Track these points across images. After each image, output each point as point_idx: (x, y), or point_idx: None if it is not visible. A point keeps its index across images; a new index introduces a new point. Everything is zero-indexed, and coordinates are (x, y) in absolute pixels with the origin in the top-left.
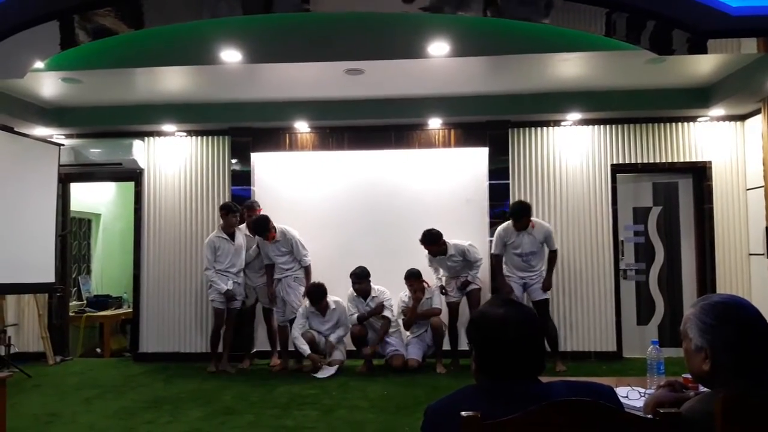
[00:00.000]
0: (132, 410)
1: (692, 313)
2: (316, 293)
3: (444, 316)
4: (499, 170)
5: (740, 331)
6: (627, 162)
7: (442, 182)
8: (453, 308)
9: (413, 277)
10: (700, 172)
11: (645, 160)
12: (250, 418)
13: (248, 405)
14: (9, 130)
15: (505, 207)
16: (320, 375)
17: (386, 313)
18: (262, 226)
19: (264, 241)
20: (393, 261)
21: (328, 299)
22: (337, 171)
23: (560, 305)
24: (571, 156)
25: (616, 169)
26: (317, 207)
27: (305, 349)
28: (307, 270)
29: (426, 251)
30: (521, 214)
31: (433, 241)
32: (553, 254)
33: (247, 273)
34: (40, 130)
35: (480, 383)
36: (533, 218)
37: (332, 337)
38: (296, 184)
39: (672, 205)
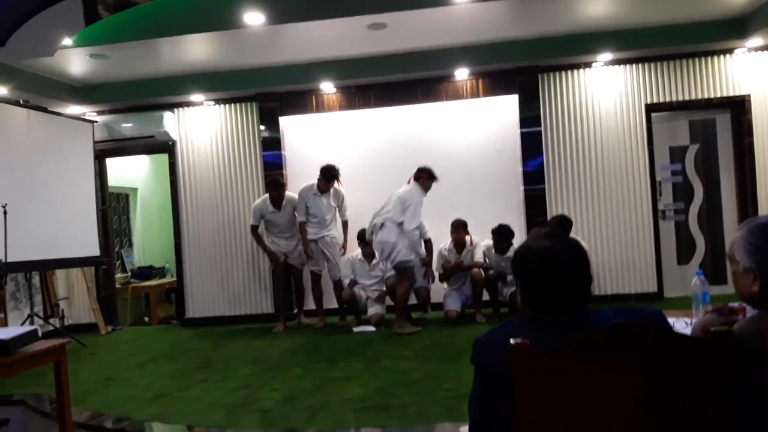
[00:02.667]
0: (185, 371)
1: (739, 235)
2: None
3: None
4: (530, 118)
5: None
6: (662, 101)
7: (472, 134)
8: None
9: (460, 227)
10: (738, 106)
11: (680, 98)
12: (298, 372)
13: (296, 360)
14: (43, 109)
15: (540, 158)
16: (359, 329)
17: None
18: (335, 169)
19: (319, 196)
20: (425, 217)
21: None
22: (365, 129)
23: (598, 248)
24: (604, 98)
25: (651, 108)
26: (347, 167)
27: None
28: (346, 225)
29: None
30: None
31: (505, 235)
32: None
33: (275, 240)
34: (73, 109)
35: (527, 315)
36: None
37: (374, 293)
38: (325, 146)
39: (710, 142)
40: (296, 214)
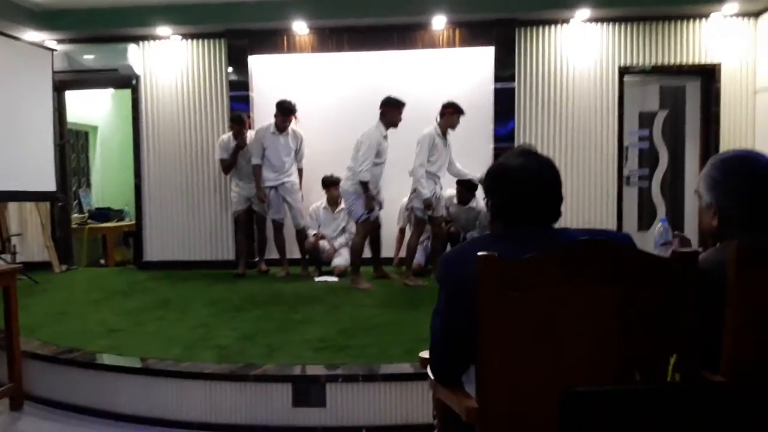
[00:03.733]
0: (141, 309)
1: (704, 170)
2: (329, 181)
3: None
4: (505, 74)
5: (746, 184)
6: (635, 64)
7: (445, 86)
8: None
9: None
10: (708, 75)
11: (653, 62)
12: (258, 314)
13: (256, 303)
14: None
15: (511, 123)
16: (321, 279)
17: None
18: (291, 103)
19: (277, 135)
20: (391, 168)
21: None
22: (336, 74)
23: (564, 210)
24: (579, 57)
25: (624, 71)
26: (315, 112)
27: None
28: (301, 173)
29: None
30: None
31: (469, 186)
32: None
33: (240, 184)
34: (32, 35)
35: (496, 232)
36: None
37: (337, 243)
38: (295, 89)
39: (678, 110)
40: (252, 157)
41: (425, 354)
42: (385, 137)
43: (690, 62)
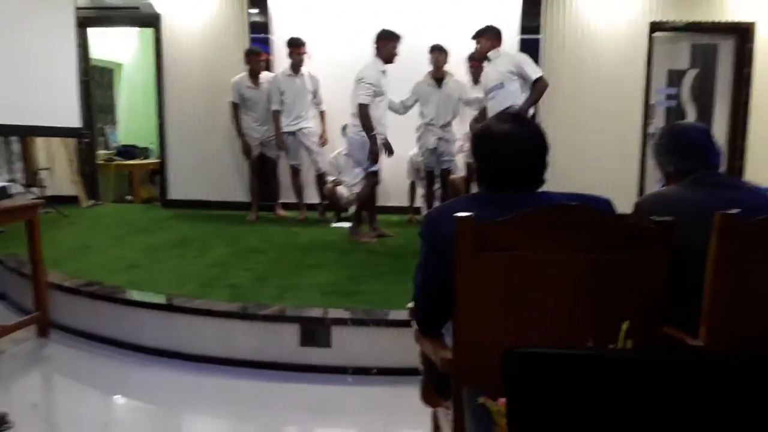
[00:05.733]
0: (160, 246)
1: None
2: None
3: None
4: (531, 25)
5: (673, 143)
6: (667, 19)
7: (470, 35)
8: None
9: (437, 50)
10: (743, 34)
11: (686, 19)
12: (273, 256)
13: (272, 245)
14: None
15: None
16: (338, 225)
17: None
18: (297, 38)
19: (293, 77)
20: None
21: None
22: (358, 18)
23: (584, 166)
24: (609, 11)
25: (655, 27)
26: (336, 56)
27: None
28: (323, 115)
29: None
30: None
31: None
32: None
33: (250, 123)
34: None
35: (478, 193)
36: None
37: (356, 189)
38: (315, 32)
39: (709, 69)
40: (270, 103)
41: (412, 305)
42: (384, 72)
43: (725, 20)
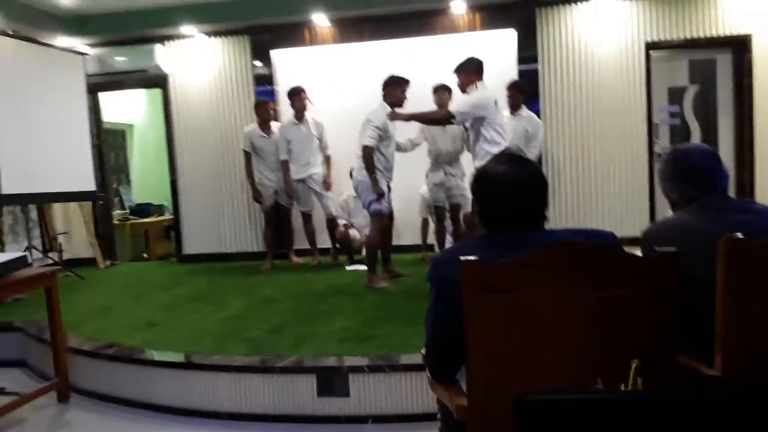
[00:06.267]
0: (178, 303)
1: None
2: None
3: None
4: (527, 55)
5: (676, 169)
6: (662, 39)
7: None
8: None
9: (440, 89)
10: (740, 46)
11: (681, 36)
12: (288, 305)
13: (287, 294)
14: (33, 41)
15: (537, 105)
16: (352, 267)
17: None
18: (296, 86)
19: (298, 125)
20: (407, 156)
21: None
22: (358, 64)
23: (592, 190)
24: (603, 35)
25: (651, 46)
26: (339, 103)
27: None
28: (329, 160)
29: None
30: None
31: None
32: None
33: (264, 172)
34: (63, 40)
35: (483, 235)
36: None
37: (367, 231)
38: (318, 81)
39: (709, 84)
40: (279, 153)
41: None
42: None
43: (720, 34)
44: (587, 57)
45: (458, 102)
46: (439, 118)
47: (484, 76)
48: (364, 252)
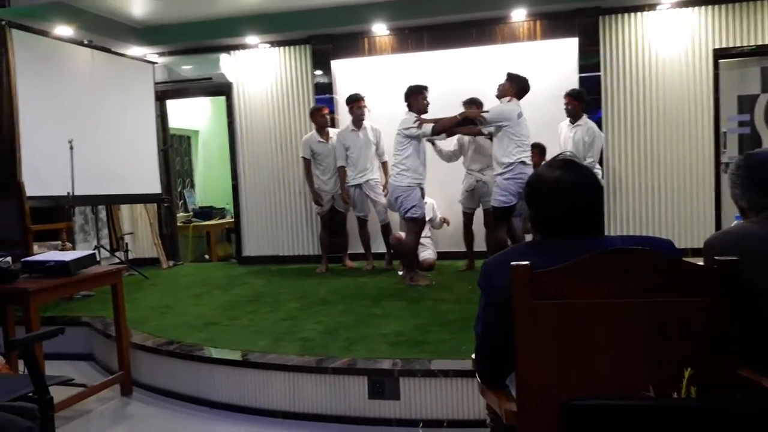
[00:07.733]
0: (236, 303)
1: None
2: None
3: None
4: (589, 63)
5: (748, 175)
6: (731, 45)
7: (529, 80)
8: None
9: (470, 103)
10: None
11: (752, 42)
12: (342, 307)
13: (341, 297)
14: (106, 50)
15: (598, 113)
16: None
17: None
18: (355, 94)
19: (356, 132)
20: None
21: None
22: (417, 74)
23: (656, 200)
24: (668, 43)
25: (719, 54)
26: (397, 112)
27: None
28: (386, 165)
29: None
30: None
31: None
32: None
33: (321, 177)
34: (134, 50)
35: (536, 240)
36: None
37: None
38: (377, 90)
39: None
40: (336, 159)
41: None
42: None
43: None
44: (652, 64)
45: (490, 108)
46: (469, 118)
47: (541, 88)
48: (421, 256)
